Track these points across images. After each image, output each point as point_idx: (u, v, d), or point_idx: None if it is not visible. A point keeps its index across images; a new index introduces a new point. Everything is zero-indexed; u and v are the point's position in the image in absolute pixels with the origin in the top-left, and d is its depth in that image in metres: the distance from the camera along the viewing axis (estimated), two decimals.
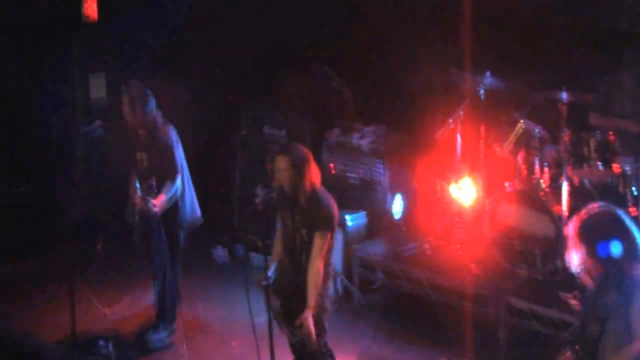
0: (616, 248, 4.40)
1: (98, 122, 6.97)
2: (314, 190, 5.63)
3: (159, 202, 6.67)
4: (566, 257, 4.58)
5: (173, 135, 6.82)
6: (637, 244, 4.46)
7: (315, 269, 5.54)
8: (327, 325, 5.78)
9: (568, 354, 4.55)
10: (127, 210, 6.94)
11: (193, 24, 9.10)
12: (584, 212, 4.56)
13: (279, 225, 5.87)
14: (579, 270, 4.55)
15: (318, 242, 5.55)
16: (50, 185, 8.40)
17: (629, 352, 4.35)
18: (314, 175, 5.64)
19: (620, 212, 4.54)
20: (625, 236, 4.46)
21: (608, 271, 4.43)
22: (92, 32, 8.54)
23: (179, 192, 6.85)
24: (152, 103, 6.78)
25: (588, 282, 4.56)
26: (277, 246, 5.86)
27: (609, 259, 4.43)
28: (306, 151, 5.66)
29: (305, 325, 5.47)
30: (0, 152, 8.64)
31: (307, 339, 5.52)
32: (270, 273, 5.56)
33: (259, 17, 9.10)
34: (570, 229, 4.53)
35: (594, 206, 4.57)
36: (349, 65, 8.93)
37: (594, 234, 4.45)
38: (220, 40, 9.01)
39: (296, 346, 5.83)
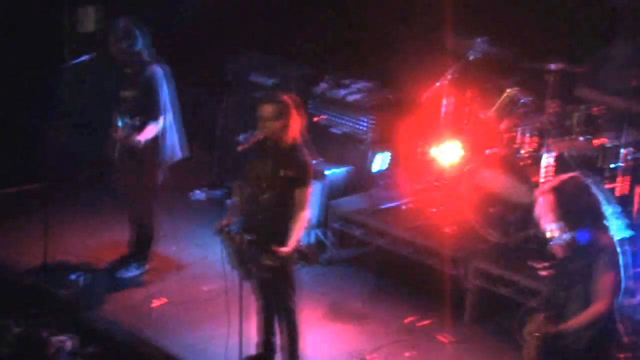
0: (584, 218, 4.52)
1: (86, 56, 6.93)
2: (295, 141, 5.62)
3: (143, 138, 6.67)
4: (540, 224, 4.67)
5: (159, 74, 6.79)
6: (602, 212, 4.58)
7: (302, 218, 5.56)
8: (294, 278, 5.80)
9: (537, 319, 4.65)
10: (108, 146, 6.94)
11: None
12: (555, 182, 4.66)
13: (243, 176, 5.78)
14: (551, 238, 4.65)
15: (302, 197, 5.57)
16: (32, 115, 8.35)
17: (587, 314, 4.48)
18: (297, 125, 5.62)
19: (589, 181, 4.64)
20: (592, 204, 4.57)
21: (577, 240, 4.54)
22: None
23: (160, 132, 6.84)
24: (140, 41, 6.75)
25: (558, 250, 4.65)
26: (239, 195, 5.84)
27: (578, 229, 4.53)
28: (291, 100, 5.63)
29: (281, 254, 5.45)
30: None
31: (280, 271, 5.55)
32: (233, 227, 5.60)
33: None
34: (541, 198, 4.62)
35: (564, 176, 4.67)
36: (340, 21, 8.89)
37: (563, 203, 4.55)
38: None
39: (262, 291, 5.84)
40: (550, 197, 4.58)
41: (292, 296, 5.78)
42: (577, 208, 4.55)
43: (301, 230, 5.63)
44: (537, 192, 4.71)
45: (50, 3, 8.68)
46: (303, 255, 5.32)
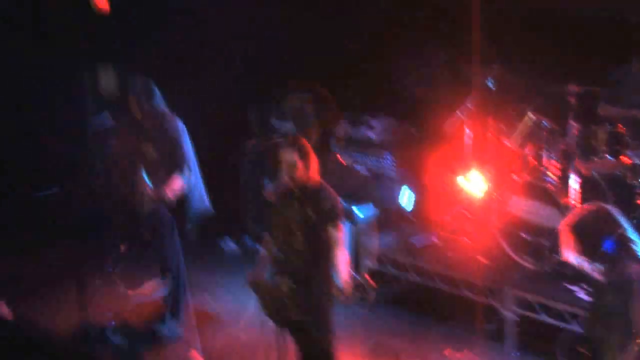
0: (609, 247, 4.44)
1: (106, 114, 7.03)
2: (318, 182, 5.66)
3: (171, 191, 6.72)
4: (563, 252, 4.61)
5: (180, 127, 6.86)
6: (630, 238, 4.50)
7: (341, 255, 5.56)
8: (332, 323, 5.77)
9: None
10: (137, 202, 6.99)
11: (200, 22, 9.11)
12: (574, 215, 4.60)
13: (272, 222, 5.82)
14: (582, 265, 4.58)
15: (336, 234, 5.58)
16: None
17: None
18: (316, 166, 5.67)
19: (613, 210, 4.58)
20: (616, 235, 4.49)
21: (607, 270, 4.46)
22: (102, 25, 8.55)
23: (187, 184, 6.89)
24: (158, 97, 6.83)
25: (596, 275, 4.57)
26: (270, 242, 5.85)
27: (604, 258, 4.46)
28: (307, 143, 5.69)
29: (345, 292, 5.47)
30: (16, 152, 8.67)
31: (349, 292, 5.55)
32: (267, 275, 5.62)
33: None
34: (563, 235, 4.56)
35: (585, 207, 4.61)
36: (357, 57, 8.92)
37: (586, 234, 4.48)
38: (228, 36, 9.04)
39: (301, 340, 5.81)
40: (572, 234, 4.52)
41: (330, 340, 5.74)
42: (600, 240, 4.48)
43: (346, 266, 5.61)
44: (559, 227, 4.64)
45: (72, 62, 8.75)
46: (361, 288, 5.27)
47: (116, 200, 6.40)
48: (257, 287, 5.71)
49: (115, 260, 6.71)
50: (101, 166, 6.27)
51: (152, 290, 6.30)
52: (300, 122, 5.41)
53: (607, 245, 4.44)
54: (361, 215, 7.87)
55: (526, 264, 6.97)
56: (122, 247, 7.31)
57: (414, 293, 7.61)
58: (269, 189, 5.67)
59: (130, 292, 6.34)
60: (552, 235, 6.75)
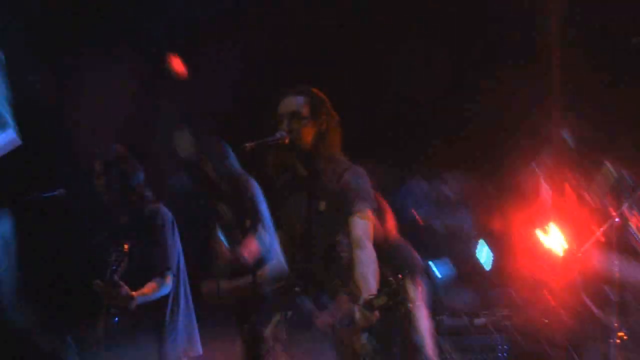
0: None
1: (184, 177, 7.11)
2: (394, 238, 5.60)
3: (247, 252, 6.73)
4: None
5: (255, 186, 6.89)
6: None
7: (424, 315, 5.51)
8: None
9: None
10: (215, 266, 7.00)
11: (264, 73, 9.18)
12: None
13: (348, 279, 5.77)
14: None
15: (415, 291, 5.55)
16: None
17: None
18: (393, 223, 5.62)
19: None
20: None
21: None
22: (178, 88, 8.70)
23: (263, 244, 6.90)
24: (232, 156, 6.89)
25: None
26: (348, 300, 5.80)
27: None
28: (380, 199, 5.66)
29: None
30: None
31: None
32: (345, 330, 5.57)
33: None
34: None
35: None
36: (434, 112, 8.90)
37: None
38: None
39: None
40: None
41: None
42: None
43: (426, 323, 5.50)
44: None
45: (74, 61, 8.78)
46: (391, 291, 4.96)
47: (117, 201, 6.44)
48: (338, 344, 5.64)
49: (118, 260, 6.65)
50: (102, 167, 6.24)
51: (153, 290, 6.26)
52: (296, 125, 5.32)
53: None
54: (438, 272, 7.79)
55: (613, 322, 6.77)
56: (125, 247, 7.31)
57: (493, 350, 7.45)
58: (344, 246, 5.62)
59: (133, 292, 6.29)
60: (638, 290, 6.58)
